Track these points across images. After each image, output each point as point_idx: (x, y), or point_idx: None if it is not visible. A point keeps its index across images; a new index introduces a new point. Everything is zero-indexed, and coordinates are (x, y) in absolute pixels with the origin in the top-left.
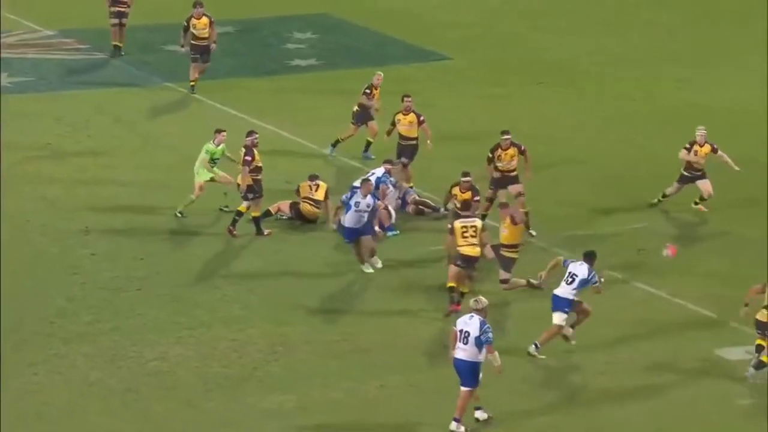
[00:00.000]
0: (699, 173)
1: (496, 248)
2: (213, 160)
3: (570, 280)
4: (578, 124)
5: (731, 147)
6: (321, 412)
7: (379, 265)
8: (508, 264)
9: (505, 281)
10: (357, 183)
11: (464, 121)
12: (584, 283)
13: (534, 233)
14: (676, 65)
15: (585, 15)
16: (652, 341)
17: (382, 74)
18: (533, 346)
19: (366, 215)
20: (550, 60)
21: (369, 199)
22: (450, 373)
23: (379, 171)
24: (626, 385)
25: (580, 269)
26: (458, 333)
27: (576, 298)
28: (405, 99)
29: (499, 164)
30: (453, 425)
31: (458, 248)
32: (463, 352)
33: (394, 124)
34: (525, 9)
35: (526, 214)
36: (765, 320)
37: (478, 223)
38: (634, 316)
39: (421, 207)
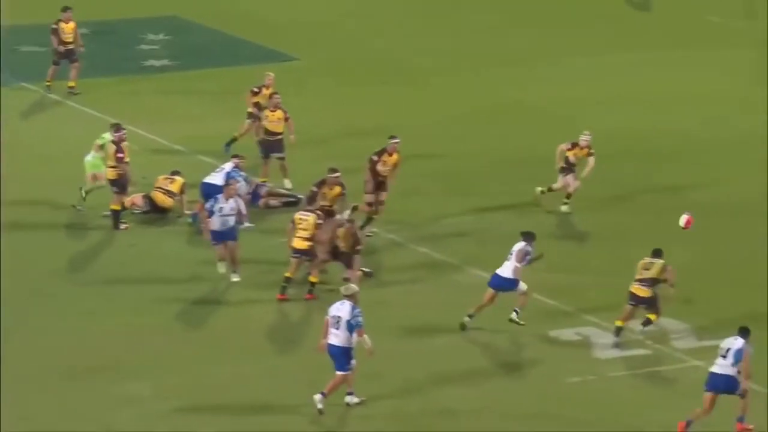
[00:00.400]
0: (572, 168)
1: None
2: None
3: (510, 257)
4: (420, 121)
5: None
6: (176, 398)
7: (236, 279)
8: (351, 262)
9: (347, 279)
10: (207, 179)
11: (311, 121)
12: (525, 255)
13: (370, 234)
14: (506, 65)
15: (424, 17)
16: (488, 324)
17: (273, 74)
18: (514, 313)
19: (231, 218)
20: (393, 60)
21: (232, 202)
22: (302, 358)
23: (228, 166)
24: (465, 367)
25: (518, 247)
26: (330, 319)
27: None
28: (274, 96)
29: (382, 169)
30: (317, 397)
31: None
32: (335, 337)
33: (260, 119)
34: (368, 11)
35: (369, 219)
36: (644, 295)
37: (312, 218)
38: (475, 302)
39: (281, 200)
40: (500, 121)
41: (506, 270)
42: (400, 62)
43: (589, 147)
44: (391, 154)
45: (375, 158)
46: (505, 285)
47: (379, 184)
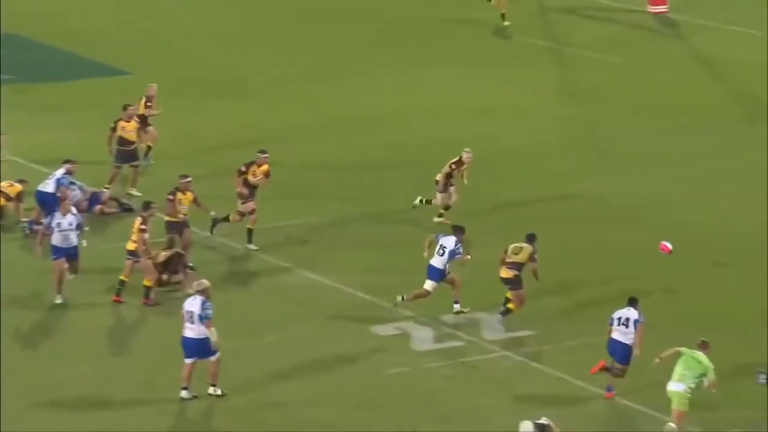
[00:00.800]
0: (452, 183)
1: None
2: None
3: (441, 252)
4: (256, 132)
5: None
6: (18, 398)
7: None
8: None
9: (178, 282)
10: (40, 187)
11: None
12: (452, 254)
13: (213, 233)
14: (334, 79)
15: (257, 34)
16: (315, 322)
17: (156, 85)
18: (400, 297)
19: (72, 234)
20: (226, 74)
21: (70, 217)
22: (137, 358)
23: (59, 172)
24: (295, 363)
25: (448, 242)
26: (185, 314)
27: (447, 269)
28: (128, 108)
29: (251, 179)
30: (210, 390)
31: None
32: (191, 330)
33: (114, 129)
34: (200, 27)
35: (227, 219)
36: (507, 276)
37: (137, 222)
38: (301, 300)
39: (115, 205)
40: (333, 131)
41: (437, 262)
42: (233, 76)
43: (469, 163)
44: (260, 166)
45: (243, 169)
46: (435, 276)
47: (250, 192)
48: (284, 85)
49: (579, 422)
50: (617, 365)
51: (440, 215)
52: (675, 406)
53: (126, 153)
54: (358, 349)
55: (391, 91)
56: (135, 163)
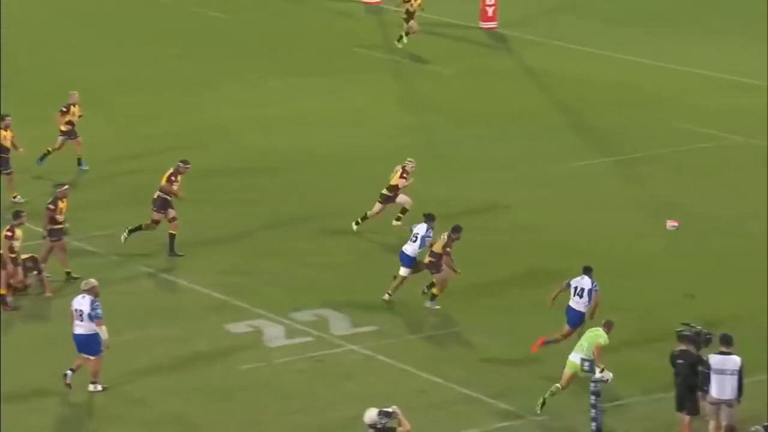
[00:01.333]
0: (397, 193)
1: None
2: None
3: (414, 239)
4: (111, 141)
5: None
6: None
7: None
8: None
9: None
10: None
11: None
12: (423, 240)
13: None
14: (184, 90)
15: (107, 47)
16: (172, 321)
17: (77, 93)
18: (386, 295)
19: None
20: (82, 87)
21: None
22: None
23: None
24: (150, 361)
25: (420, 228)
26: (74, 312)
27: (418, 256)
28: (6, 118)
29: (174, 187)
30: (91, 387)
31: None
32: (80, 327)
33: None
34: (60, 41)
35: (172, 236)
36: (425, 262)
37: (4, 230)
38: (158, 300)
39: None
40: (187, 140)
41: (408, 248)
42: (89, 89)
43: (412, 171)
44: (183, 173)
45: (174, 178)
46: (406, 262)
47: (168, 202)
48: (132, 98)
49: (421, 410)
50: (567, 328)
51: (398, 218)
52: (567, 370)
53: (4, 160)
54: (213, 346)
55: (236, 102)
56: (9, 170)
